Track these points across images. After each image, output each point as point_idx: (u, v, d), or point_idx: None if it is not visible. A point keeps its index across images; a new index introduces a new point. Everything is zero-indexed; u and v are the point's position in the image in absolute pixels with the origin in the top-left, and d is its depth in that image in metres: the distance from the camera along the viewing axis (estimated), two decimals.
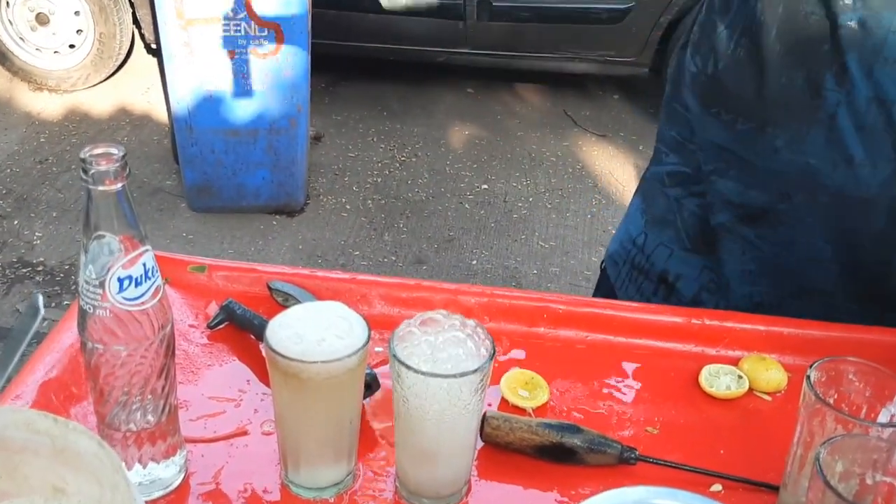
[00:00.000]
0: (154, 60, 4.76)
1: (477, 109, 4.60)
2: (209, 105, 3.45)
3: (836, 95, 1.07)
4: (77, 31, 4.39)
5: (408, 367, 0.80)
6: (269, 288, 1.13)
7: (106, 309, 0.79)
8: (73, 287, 3.21)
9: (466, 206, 3.87)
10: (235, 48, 3.34)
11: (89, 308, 0.79)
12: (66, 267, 3.31)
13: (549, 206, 3.88)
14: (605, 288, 1.39)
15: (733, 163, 1.18)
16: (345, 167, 4.10)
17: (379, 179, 4.03)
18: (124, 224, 0.78)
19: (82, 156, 0.76)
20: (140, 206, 3.71)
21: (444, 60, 4.46)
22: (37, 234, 3.49)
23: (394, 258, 3.49)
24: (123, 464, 0.72)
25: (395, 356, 0.82)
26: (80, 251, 0.79)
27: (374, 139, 4.33)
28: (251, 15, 3.27)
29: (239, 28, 3.30)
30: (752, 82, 1.13)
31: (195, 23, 3.29)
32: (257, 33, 3.32)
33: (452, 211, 3.83)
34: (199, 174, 3.63)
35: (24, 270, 3.28)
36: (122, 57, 4.51)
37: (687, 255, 1.28)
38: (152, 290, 0.80)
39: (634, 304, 1.19)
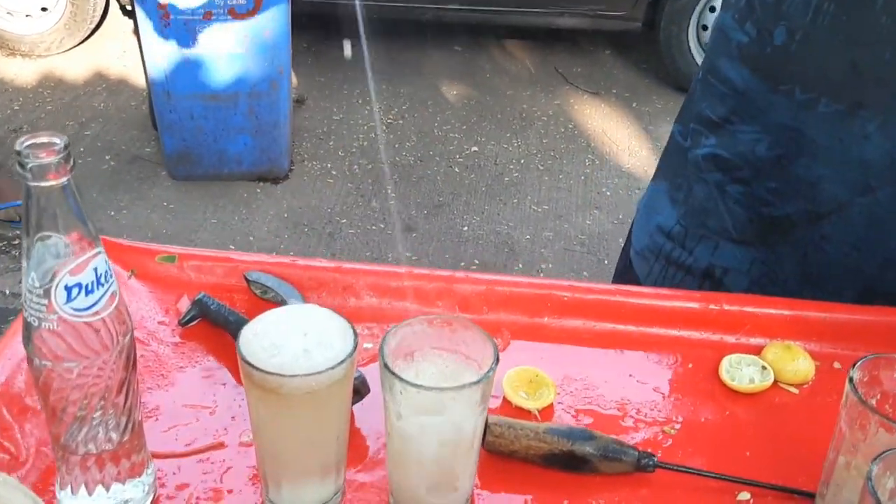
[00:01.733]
0: (130, 22, 4.61)
1: (465, 68, 4.47)
2: (187, 69, 3.32)
3: None
4: None
5: (401, 379, 0.71)
6: (247, 279, 1.03)
7: (53, 321, 0.69)
8: None
9: (456, 169, 3.76)
10: (213, 9, 3.20)
11: (34, 321, 0.69)
12: None
13: (542, 167, 3.78)
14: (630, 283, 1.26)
15: (806, 148, 1.04)
16: (329, 131, 3.98)
17: (365, 143, 3.91)
18: (71, 223, 0.68)
19: (18, 148, 0.65)
20: (119, 174, 3.61)
21: (430, 17, 4.32)
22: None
23: (382, 226, 3.39)
24: None
25: (386, 366, 0.72)
26: (21, 256, 0.69)
27: (359, 101, 4.20)
28: None
29: None
30: (844, 57, 0.98)
31: None
32: None
33: (442, 175, 3.72)
34: (178, 141, 3.50)
35: (1, 244, 3.17)
36: (96, 20, 4.36)
37: (735, 246, 1.14)
38: (107, 296, 0.70)
39: (646, 290, 1.09)
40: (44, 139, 0.66)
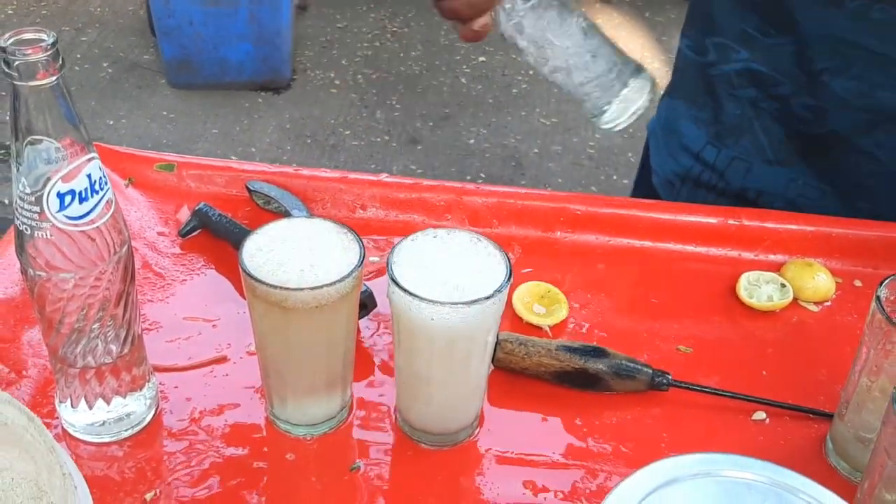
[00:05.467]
0: None
1: None
2: None
3: None
4: None
5: (410, 293, 0.68)
6: (248, 189, 1.00)
7: (46, 230, 0.65)
8: None
9: (463, 80, 3.67)
10: None
11: (27, 230, 0.66)
12: None
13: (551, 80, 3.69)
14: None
15: (857, 59, 0.98)
16: (333, 39, 3.88)
17: (369, 52, 3.81)
18: (63, 126, 0.64)
19: (2, 44, 0.61)
20: (117, 82, 3.53)
21: None
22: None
23: (387, 138, 3.33)
24: (58, 444, 0.60)
25: (393, 279, 0.69)
26: (10, 161, 0.65)
27: (364, 7, 4.09)
28: None
29: None
30: None
31: None
32: None
33: (448, 86, 3.63)
34: (177, 48, 3.42)
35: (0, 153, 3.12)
36: None
37: (769, 167, 1.10)
38: (102, 204, 0.67)
39: (663, 203, 1.06)
40: (30, 35, 0.61)
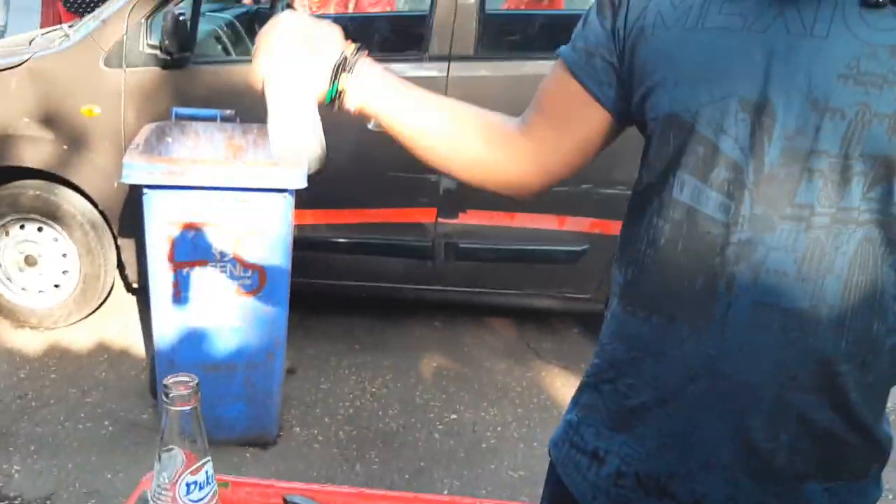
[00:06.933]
0: (132, 299, 5.00)
1: (445, 342, 4.82)
2: (192, 341, 3.63)
3: (726, 298, 1.28)
4: (63, 272, 4.62)
5: None
6: (285, 501, 1.27)
7: None
8: None
9: (436, 435, 3.99)
10: (220, 288, 3.57)
11: None
12: (47, 502, 3.33)
13: (517, 435, 4.02)
14: (551, 473, 1.56)
15: (648, 351, 1.38)
16: (317, 399, 4.24)
17: (351, 410, 4.16)
18: (193, 438, 0.95)
19: (165, 382, 0.93)
20: (117, 439, 3.81)
21: (414, 297, 4.73)
22: (15, 467, 3.53)
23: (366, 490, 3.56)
24: None
25: None
26: (154, 460, 0.95)
27: (346, 371, 4.50)
28: (237, 258, 3.53)
29: (224, 269, 3.55)
30: (661, 283, 1.34)
31: (183, 265, 3.53)
32: (241, 274, 3.57)
33: (423, 441, 3.94)
34: None
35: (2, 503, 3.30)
36: (104, 296, 4.72)
37: (609, 431, 1.45)
38: (211, 492, 0.96)
39: None
40: (182, 378, 0.94)
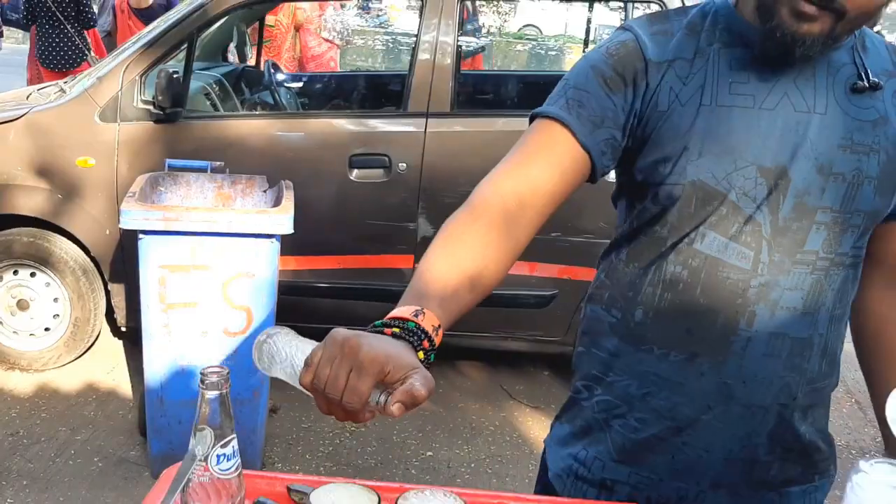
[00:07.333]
0: (119, 343, 5.18)
1: None
2: (181, 379, 3.81)
3: (746, 333, 1.49)
4: (54, 316, 4.80)
5: None
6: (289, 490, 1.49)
7: (206, 477, 1.15)
8: None
9: (413, 471, 4.18)
10: (209, 328, 3.77)
11: (193, 477, 1.16)
12: None
13: (490, 471, 4.22)
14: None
15: (665, 385, 1.55)
16: (299, 437, 4.42)
17: (330, 448, 4.35)
18: (222, 417, 1.17)
19: (202, 370, 1.16)
20: (106, 475, 3.98)
21: None
22: (8, 500, 3.68)
23: None
24: None
25: None
26: (190, 437, 1.17)
27: None
28: (226, 299, 3.74)
29: (214, 310, 3.75)
30: (682, 326, 1.52)
31: (175, 307, 3.74)
32: (230, 315, 3.77)
33: (400, 476, 4.13)
34: (165, 444, 3.92)
35: None
36: (93, 339, 4.89)
37: (616, 464, 1.61)
38: (236, 464, 1.17)
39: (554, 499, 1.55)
40: (215, 369, 1.16)
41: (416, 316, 1.24)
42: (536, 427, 4.66)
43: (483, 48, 9.75)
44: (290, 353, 1.18)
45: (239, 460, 1.17)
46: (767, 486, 1.60)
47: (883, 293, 1.67)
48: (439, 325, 1.26)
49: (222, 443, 1.14)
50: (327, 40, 8.97)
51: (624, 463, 1.61)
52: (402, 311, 1.26)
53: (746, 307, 1.49)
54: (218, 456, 1.14)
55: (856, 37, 1.51)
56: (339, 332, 1.15)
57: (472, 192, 1.48)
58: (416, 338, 1.21)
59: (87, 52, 7.91)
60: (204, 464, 1.14)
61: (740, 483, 1.57)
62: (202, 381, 1.14)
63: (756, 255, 1.48)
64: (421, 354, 1.20)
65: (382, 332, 1.21)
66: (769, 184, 1.46)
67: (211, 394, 1.14)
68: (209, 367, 1.15)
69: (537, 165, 1.48)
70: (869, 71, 1.49)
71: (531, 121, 1.54)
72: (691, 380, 1.53)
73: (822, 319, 1.53)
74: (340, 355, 1.12)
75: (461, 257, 1.38)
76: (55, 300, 4.77)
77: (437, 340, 1.25)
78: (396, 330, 1.22)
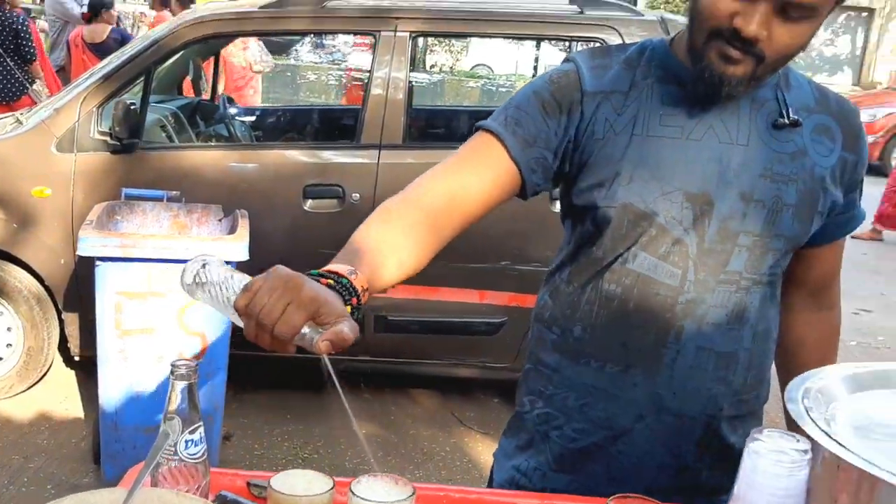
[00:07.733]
0: (71, 373, 5.18)
1: (373, 411, 5.11)
2: (135, 405, 3.86)
3: (675, 346, 1.61)
4: (7, 345, 4.80)
5: None
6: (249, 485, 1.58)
7: (174, 461, 1.25)
8: None
9: None
10: (164, 354, 3.83)
11: (163, 461, 1.25)
12: None
13: None
14: None
15: (601, 395, 1.65)
16: (252, 464, 4.47)
17: None
18: (190, 406, 1.27)
19: (172, 362, 1.26)
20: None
21: (344, 368, 5.01)
22: None
23: None
24: None
25: None
26: (161, 426, 1.27)
27: (279, 439, 4.75)
28: (181, 326, 3.81)
29: (169, 336, 3.82)
30: (619, 339, 1.63)
31: (131, 333, 3.80)
32: (184, 341, 3.84)
33: None
34: (119, 469, 3.90)
35: None
36: (45, 369, 4.90)
37: (554, 473, 1.72)
38: (203, 450, 1.27)
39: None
40: (185, 360, 1.27)
41: (350, 274, 1.35)
42: (486, 452, 4.77)
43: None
44: (225, 277, 1.26)
45: (205, 446, 1.27)
46: (699, 491, 1.71)
47: (805, 315, 1.84)
48: (367, 289, 1.37)
49: (190, 429, 1.24)
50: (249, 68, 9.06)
51: (563, 472, 1.72)
52: (338, 267, 1.37)
53: (675, 322, 1.61)
54: (186, 441, 1.24)
55: (780, 75, 1.65)
56: (283, 268, 1.26)
57: (410, 185, 1.59)
58: (347, 293, 1.32)
59: (27, 85, 7.94)
60: (172, 449, 1.24)
61: (672, 489, 1.67)
62: (172, 373, 1.25)
63: (683, 274, 1.61)
64: (349, 309, 1.30)
65: (318, 281, 1.31)
66: (695, 209, 1.60)
67: (180, 384, 1.25)
68: (179, 360, 1.25)
69: (470, 172, 1.61)
70: (790, 108, 1.63)
71: (475, 131, 1.68)
72: (626, 390, 1.65)
73: (747, 335, 1.66)
74: (283, 288, 1.22)
75: (394, 237, 1.50)
76: (8, 329, 4.78)
77: (364, 301, 1.35)
78: (331, 282, 1.32)
